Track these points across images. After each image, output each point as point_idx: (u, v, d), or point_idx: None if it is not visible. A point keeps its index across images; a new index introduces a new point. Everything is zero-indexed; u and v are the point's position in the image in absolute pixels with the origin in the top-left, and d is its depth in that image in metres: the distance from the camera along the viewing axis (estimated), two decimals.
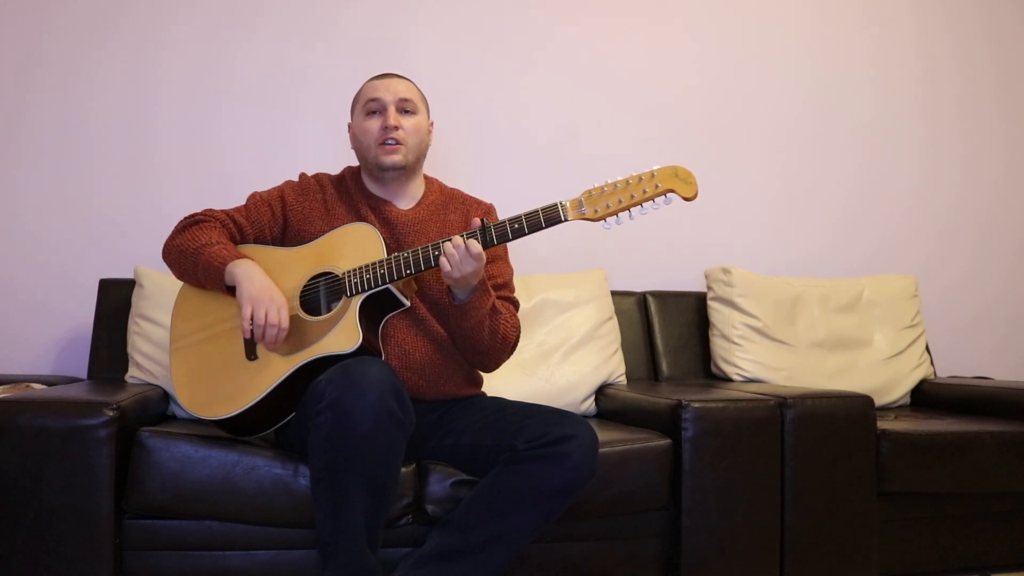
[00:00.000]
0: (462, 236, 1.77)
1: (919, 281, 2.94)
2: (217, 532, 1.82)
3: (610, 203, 1.74)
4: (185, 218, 1.94)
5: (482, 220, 1.78)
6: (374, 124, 1.94)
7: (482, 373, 2.03)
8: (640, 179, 1.74)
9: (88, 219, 2.60)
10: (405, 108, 1.96)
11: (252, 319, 1.75)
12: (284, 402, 1.79)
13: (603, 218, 1.75)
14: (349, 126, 2.03)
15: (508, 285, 2.02)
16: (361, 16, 2.77)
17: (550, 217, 1.75)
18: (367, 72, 2.06)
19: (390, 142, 1.93)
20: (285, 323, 1.76)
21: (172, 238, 1.92)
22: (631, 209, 1.75)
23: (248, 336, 1.76)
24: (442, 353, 1.92)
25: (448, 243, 1.76)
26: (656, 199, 1.74)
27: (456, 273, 1.76)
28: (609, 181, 1.75)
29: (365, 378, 1.57)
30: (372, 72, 2.04)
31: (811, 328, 2.71)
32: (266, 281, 1.80)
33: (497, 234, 1.77)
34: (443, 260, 1.75)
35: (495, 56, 2.87)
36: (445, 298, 1.92)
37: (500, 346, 1.92)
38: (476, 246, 1.75)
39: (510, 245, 1.97)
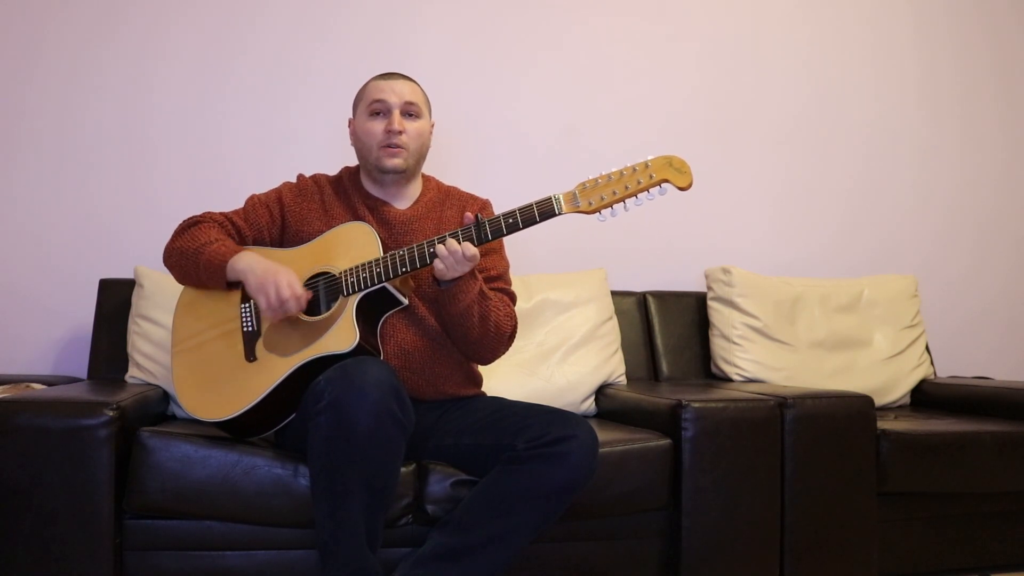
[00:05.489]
0: (457, 236, 1.76)
1: (919, 281, 2.94)
2: (217, 532, 1.81)
3: (604, 195, 1.73)
4: (184, 221, 1.95)
5: (476, 215, 1.77)
6: (378, 126, 1.94)
7: (482, 373, 2.03)
8: (634, 170, 1.73)
9: (88, 219, 2.60)
10: (410, 112, 1.95)
11: (267, 306, 1.77)
12: (284, 403, 1.79)
13: (598, 210, 1.74)
14: (350, 122, 2.03)
15: (503, 277, 2.00)
16: (361, 16, 2.77)
17: (544, 210, 1.74)
18: (367, 73, 2.05)
19: (393, 146, 1.93)
20: (298, 290, 1.78)
21: (172, 241, 1.93)
22: (626, 200, 1.73)
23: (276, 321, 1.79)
24: (441, 352, 1.92)
25: (441, 246, 1.75)
26: (651, 189, 1.73)
27: (451, 275, 1.77)
28: (603, 173, 1.74)
29: (364, 378, 1.57)
30: (372, 73, 2.04)
31: (811, 328, 2.71)
32: (268, 265, 1.81)
33: (491, 229, 1.76)
34: (437, 262, 1.75)
35: (496, 56, 2.87)
36: (434, 288, 1.91)
37: (494, 334, 1.88)
38: (471, 248, 1.74)
39: (508, 243, 1.97)
